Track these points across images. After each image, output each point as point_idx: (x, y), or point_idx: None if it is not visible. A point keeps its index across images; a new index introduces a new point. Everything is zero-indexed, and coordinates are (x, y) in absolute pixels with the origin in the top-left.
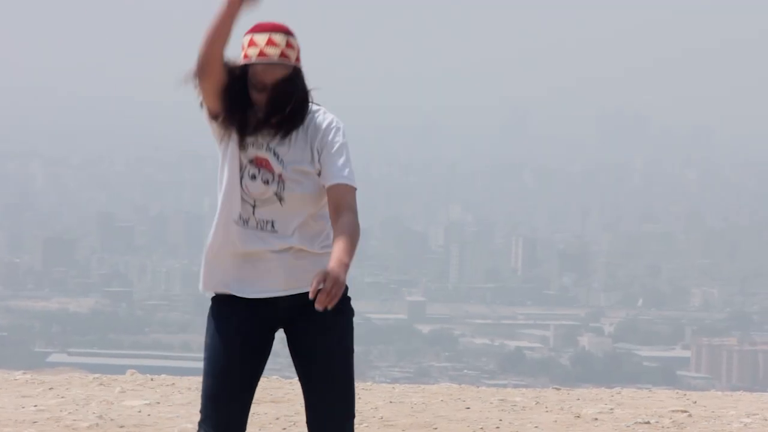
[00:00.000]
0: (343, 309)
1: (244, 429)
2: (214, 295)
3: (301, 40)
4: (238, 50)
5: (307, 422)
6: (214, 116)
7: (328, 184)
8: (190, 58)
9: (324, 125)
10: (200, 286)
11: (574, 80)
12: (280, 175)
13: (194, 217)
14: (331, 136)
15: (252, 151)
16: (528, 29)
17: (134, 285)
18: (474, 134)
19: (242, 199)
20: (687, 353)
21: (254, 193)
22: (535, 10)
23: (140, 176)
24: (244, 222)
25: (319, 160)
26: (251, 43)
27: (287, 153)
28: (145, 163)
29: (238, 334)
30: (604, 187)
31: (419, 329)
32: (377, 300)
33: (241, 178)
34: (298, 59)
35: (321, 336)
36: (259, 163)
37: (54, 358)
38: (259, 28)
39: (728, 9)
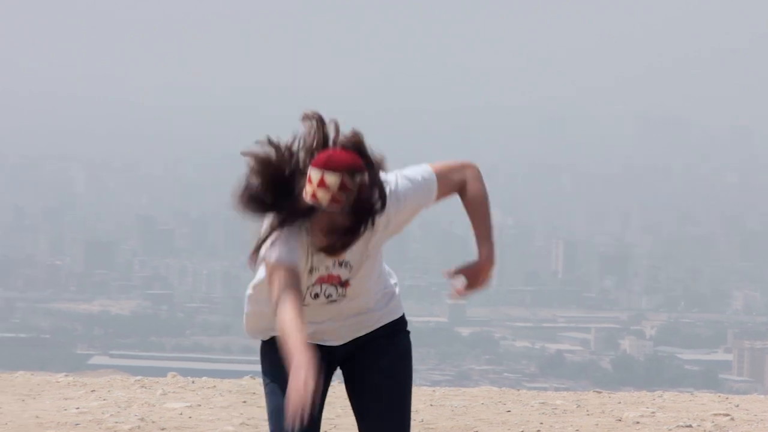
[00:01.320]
0: (402, 338)
1: None
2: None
3: (342, 41)
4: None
5: None
6: None
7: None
8: (224, 63)
9: (392, 199)
10: (245, 329)
11: (612, 80)
12: (346, 282)
13: (234, 219)
14: (403, 196)
15: (313, 276)
16: (565, 28)
17: (175, 287)
18: (512, 136)
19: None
20: (729, 356)
21: (317, 304)
22: (574, 8)
23: (180, 179)
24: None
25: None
26: (309, 180)
27: (350, 254)
28: (184, 166)
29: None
30: (643, 189)
31: (459, 332)
32: (417, 302)
33: (305, 293)
34: (362, 187)
35: (379, 371)
36: (322, 280)
37: (96, 360)
38: (318, 161)
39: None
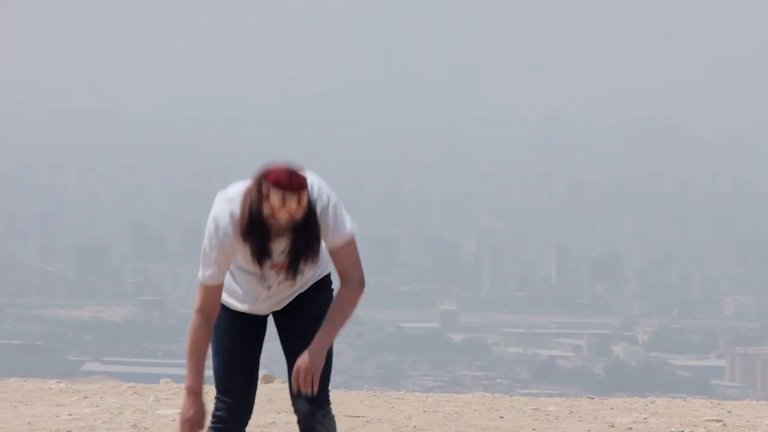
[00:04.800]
0: (324, 290)
1: (254, 395)
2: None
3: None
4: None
5: (289, 380)
6: None
7: (330, 249)
8: (224, 69)
9: (319, 212)
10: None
11: (603, 89)
12: (288, 278)
13: None
14: (325, 216)
15: (269, 264)
16: (557, 39)
17: (167, 293)
18: (504, 143)
19: (261, 286)
20: (721, 362)
21: (273, 283)
22: (566, 18)
23: (172, 185)
24: (266, 287)
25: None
26: (266, 197)
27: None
28: (177, 172)
29: (237, 320)
30: (635, 196)
31: (452, 338)
32: (409, 309)
33: (257, 278)
34: (307, 205)
35: (302, 310)
36: (275, 267)
37: (88, 366)
38: (276, 184)
39: (758, 18)
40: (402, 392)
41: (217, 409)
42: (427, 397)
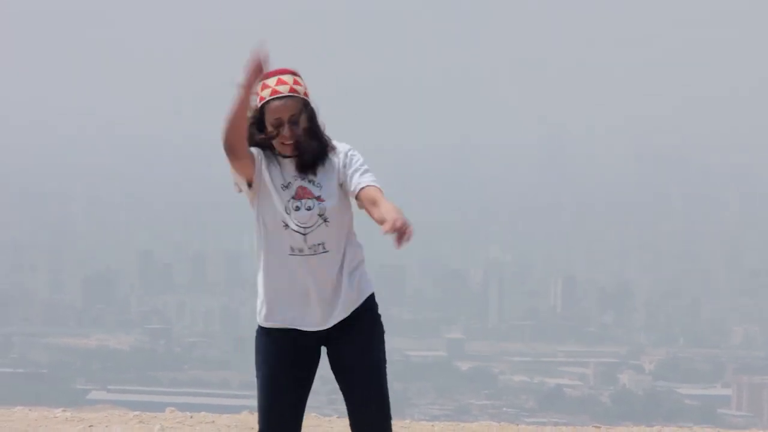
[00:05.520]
0: (375, 326)
1: None
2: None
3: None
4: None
5: (350, 425)
6: (249, 184)
7: (359, 188)
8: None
9: (342, 151)
10: (259, 320)
11: (612, 117)
12: (319, 197)
13: (233, 255)
14: (350, 158)
15: (291, 190)
16: (566, 65)
17: (173, 322)
18: (511, 172)
19: (292, 232)
20: (728, 391)
21: (303, 222)
22: (575, 47)
23: (179, 214)
24: (299, 251)
25: (345, 178)
26: (263, 87)
27: (319, 178)
28: (184, 202)
29: (286, 353)
30: (643, 225)
31: (458, 366)
32: (416, 337)
33: (287, 213)
34: (306, 94)
35: (359, 353)
36: (299, 196)
37: (94, 395)
38: (269, 74)
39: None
40: (408, 421)
41: None
42: (433, 425)
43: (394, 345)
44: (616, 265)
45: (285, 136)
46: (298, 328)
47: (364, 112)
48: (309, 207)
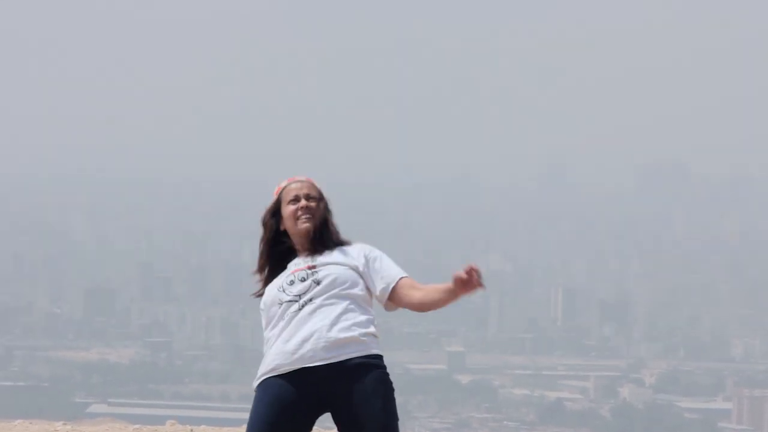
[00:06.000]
0: (381, 376)
1: None
2: (260, 382)
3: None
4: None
5: None
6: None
7: (394, 282)
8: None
9: (357, 246)
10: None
11: (612, 128)
12: (312, 267)
13: (234, 266)
14: (370, 253)
15: (290, 270)
16: (567, 76)
17: (174, 335)
18: (512, 183)
19: (287, 304)
20: (728, 405)
21: (297, 292)
22: (576, 57)
23: (179, 227)
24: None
25: (368, 272)
26: (279, 188)
27: (324, 256)
28: (184, 214)
29: (279, 403)
30: (643, 237)
31: (459, 380)
32: (416, 350)
33: (283, 291)
34: (324, 205)
35: (365, 405)
36: (294, 272)
37: (94, 408)
38: (286, 181)
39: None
40: None
41: None
42: None
43: (394, 358)
44: (616, 277)
45: (302, 207)
46: (284, 364)
47: (371, 125)
48: (303, 278)
